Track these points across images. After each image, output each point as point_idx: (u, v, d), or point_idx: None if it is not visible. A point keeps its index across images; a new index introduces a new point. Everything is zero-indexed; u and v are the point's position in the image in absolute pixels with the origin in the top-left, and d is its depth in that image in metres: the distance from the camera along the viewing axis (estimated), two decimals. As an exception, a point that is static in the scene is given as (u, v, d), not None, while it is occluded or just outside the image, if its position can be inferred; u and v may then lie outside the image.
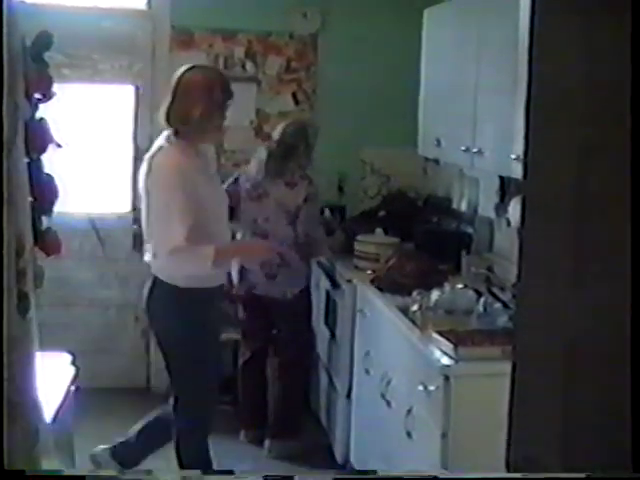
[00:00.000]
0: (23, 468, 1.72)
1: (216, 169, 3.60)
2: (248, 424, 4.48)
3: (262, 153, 4.34)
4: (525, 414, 1.49)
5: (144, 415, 3.80)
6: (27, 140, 1.95)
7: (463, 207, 4.47)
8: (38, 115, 2.20)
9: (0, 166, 1.68)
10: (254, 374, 4.44)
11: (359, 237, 4.38)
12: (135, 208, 5.13)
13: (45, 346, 2.13)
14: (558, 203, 1.45)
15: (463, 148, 3.67)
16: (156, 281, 3.35)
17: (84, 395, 3.02)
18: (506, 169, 3.26)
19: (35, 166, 2.13)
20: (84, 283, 5.10)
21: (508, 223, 3.88)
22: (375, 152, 5.29)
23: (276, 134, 4.35)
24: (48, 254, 2.25)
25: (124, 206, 5.16)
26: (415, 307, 3.36)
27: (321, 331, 4.58)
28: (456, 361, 2.88)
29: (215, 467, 3.57)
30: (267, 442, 4.39)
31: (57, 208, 2.31)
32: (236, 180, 4.36)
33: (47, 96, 2.23)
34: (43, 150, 2.19)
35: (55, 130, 2.29)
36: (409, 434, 3.18)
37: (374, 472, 3.46)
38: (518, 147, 2.76)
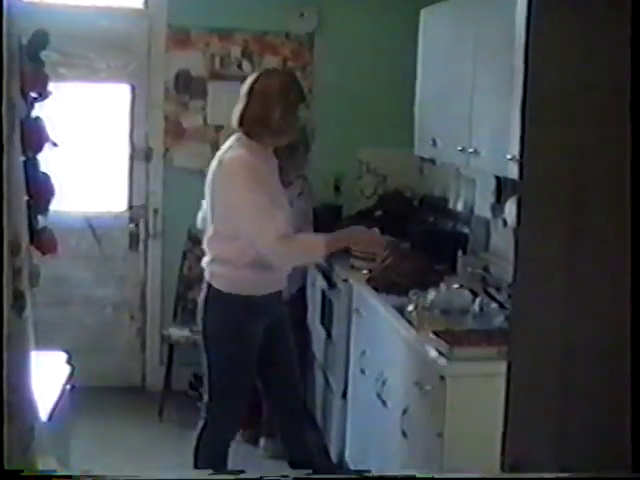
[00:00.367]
0: (18, 467, 1.71)
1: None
2: (243, 423, 4.47)
3: None
4: (521, 414, 1.49)
5: (139, 414, 3.80)
6: (23, 139, 1.95)
7: (459, 207, 4.48)
8: (34, 114, 2.20)
9: (-3, 165, 1.68)
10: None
11: (356, 236, 4.36)
12: (131, 207, 5.13)
13: (41, 345, 2.13)
14: (554, 203, 1.45)
15: (459, 148, 3.67)
16: (210, 287, 3.37)
17: (80, 394, 3.01)
18: (502, 169, 3.26)
19: (31, 165, 2.13)
20: (80, 282, 5.10)
21: (504, 223, 3.88)
22: (371, 152, 5.29)
23: None
24: (44, 253, 2.25)
25: (120, 205, 5.16)
26: (411, 307, 3.36)
27: (317, 330, 4.58)
28: (452, 361, 2.88)
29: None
30: (262, 441, 4.38)
31: (53, 207, 2.30)
32: None
33: (43, 95, 2.23)
34: (39, 149, 2.19)
35: (51, 129, 2.29)
36: (404, 434, 3.18)
37: (369, 472, 3.47)
38: (514, 147, 2.76)
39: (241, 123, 3.33)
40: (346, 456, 4.10)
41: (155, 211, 5.12)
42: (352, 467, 3.96)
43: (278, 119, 3.30)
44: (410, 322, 3.29)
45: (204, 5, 5.02)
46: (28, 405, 1.86)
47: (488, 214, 4.13)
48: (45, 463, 1.96)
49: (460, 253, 4.15)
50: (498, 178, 3.96)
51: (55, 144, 2.27)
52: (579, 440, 1.38)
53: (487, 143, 3.45)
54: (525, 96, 1.46)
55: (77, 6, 4.95)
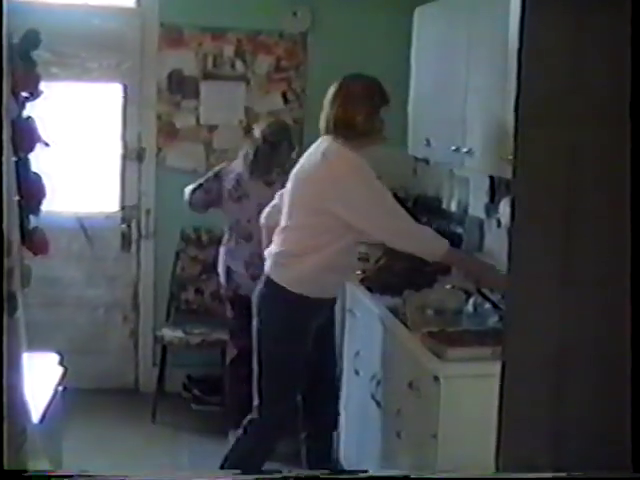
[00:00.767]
0: (10, 468, 1.70)
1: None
2: (237, 424, 4.46)
3: (246, 151, 4.33)
4: (515, 415, 1.49)
5: (132, 415, 3.79)
6: (14, 139, 1.94)
7: (453, 207, 4.48)
8: (25, 114, 2.19)
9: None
10: (241, 373, 4.41)
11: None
12: (124, 207, 5.11)
13: (33, 346, 2.12)
14: (547, 203, 1.45)
15: (453, 148, 3.67)
16: (268, 281, 3.42)
17: (72, 395, 3.00)
18: (496, 169, 3.25)
19: (22, 165, 2.12)
20: (72, 283, 5.08)
21: (498, 223, 3.88)
22: (364, 152, 5.27)
23: (257, 133, 4.34)
24: (35, 253, 2.24)
25: (112, 205, 5.14)
26: (405, 307, 3.35)
27: (310, 331, 4.57)
28: (446, 362, 2.88)
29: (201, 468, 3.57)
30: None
31: (45, 207, 2.29)
32: (216, 175, 4.35)
33: (34, 94, 2.22)
34: (31, 149, 2.18)
35: (43, 129, 2.27)
36: (398, 434, 3.17)
37: (364, 472, 3.46)
38: (508, 147, 2.75)
39: (328, 127, 3.41)
40: (340, 456, 4.10)
41: (147, 211, 5.10)
42: (346, 467, 3.96)
43: (363, 122, 3.38)
44: (404, 323, 3.29)
45: (197, 4, 5.00)
46: (20, 407, 1.84)
47: (482, 214, 4.13)
48: (37, 465, 1.95)
49: (454, 253, 4.14)
50: (492, 178, 3.95)
51: (47, 144, 2.26)
52: (576, 441, 1.38)
53: (481, 143, 3.45)
54: (519, 96, 1.45)
55: (69, 5, 4.93)
